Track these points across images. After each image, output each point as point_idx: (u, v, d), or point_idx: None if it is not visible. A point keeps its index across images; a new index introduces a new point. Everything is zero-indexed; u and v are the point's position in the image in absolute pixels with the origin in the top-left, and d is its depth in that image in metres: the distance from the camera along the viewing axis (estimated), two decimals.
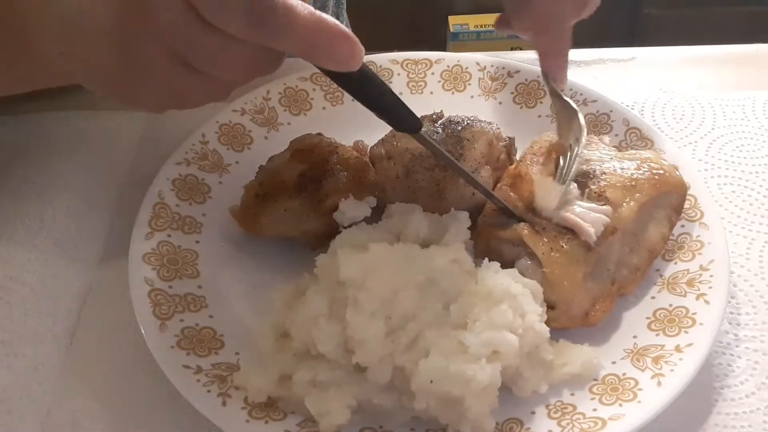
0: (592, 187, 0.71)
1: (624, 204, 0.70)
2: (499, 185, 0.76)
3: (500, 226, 0.72)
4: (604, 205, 0.70)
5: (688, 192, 0.76)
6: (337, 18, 1.22)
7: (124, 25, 0.53)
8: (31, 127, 0.92)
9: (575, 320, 0.68)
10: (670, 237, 0.74)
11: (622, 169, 0.73)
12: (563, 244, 0.68)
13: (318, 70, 0.90)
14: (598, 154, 0.76)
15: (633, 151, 0.77)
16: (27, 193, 0.84)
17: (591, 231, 0.68)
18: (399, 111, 0.64)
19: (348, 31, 0.53)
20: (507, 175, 0.76)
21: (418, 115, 0.81)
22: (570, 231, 0.69)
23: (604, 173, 0.73)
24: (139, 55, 0.54)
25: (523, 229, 0.70)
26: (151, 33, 0.53)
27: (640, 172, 0.73)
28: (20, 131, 0.92)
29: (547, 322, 0.67)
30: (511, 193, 0.73)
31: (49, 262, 0.78)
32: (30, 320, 0.73)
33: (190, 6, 0.50)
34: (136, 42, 0.53)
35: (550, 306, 0.68)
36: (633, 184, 0.72)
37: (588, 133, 0.83)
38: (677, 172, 0.75)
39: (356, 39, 0.53)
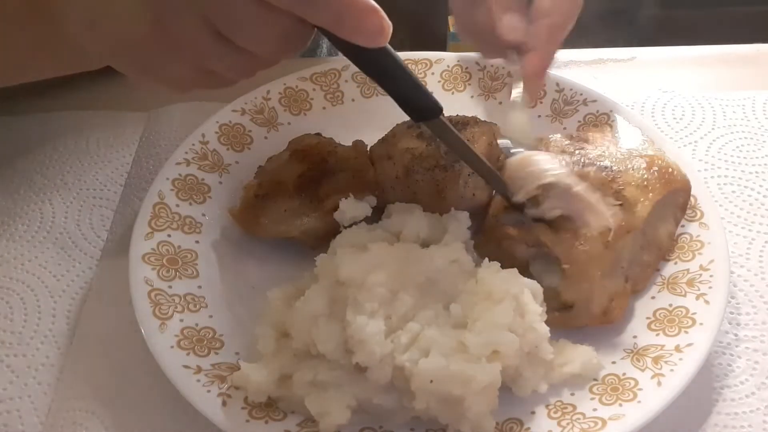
0: (613, 185, 0.71)
1: (639, 203, 0.71)
2: None
3: (513, 227, 0.71)
4: (621, 204, 0.70)
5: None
6: None
7: None
8: (31, 127, 0.92)
9: (595, 319, 0.68)
10: None
11: (633, 168, 0.73)
12: (582, 242, 0.68)
13: (318, 70, 0.92)
14: (607, 152, 0.76)
15: (637, 149, 0.77)
16: (27, 193, 0.85)
17: (609, 215, 0.67)
18: (419, 94, 0.62)
19: (377, 5, 0.52)
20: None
21: None
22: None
23: (620, 171, 0.73)
24: (173, 25, 0.54)
25: (540, 229, 0.70)
26: (187, 2, 0.53)
27: (651, 171, 0.73)
28: (20, 131, 0.92)
29: (567, 323, 0.67)
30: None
31: (49, 262, 0.78)
32: (30, 320, 0.74)
33: None
34: (171, 11, 0.54)
35: (568, 306, 0.68)
36: (646, 183, 0.72)
37: (587, 131, 0.84)
38: (682, 170, 0.75)
39: (384, 14, 0.53)
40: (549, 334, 0.65)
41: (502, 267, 0.68)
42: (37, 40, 0.64)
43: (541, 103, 0.89)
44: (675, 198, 0.74)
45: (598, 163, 0.73)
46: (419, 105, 0.63)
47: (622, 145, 0.78)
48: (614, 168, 0.73)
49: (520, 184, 0.71)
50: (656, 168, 0.73)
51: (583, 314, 0.68)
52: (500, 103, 0.91)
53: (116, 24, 0.56)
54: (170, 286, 0.71)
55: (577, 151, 0.75)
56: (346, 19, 0.52)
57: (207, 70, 0.58)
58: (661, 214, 0.73)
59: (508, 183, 0.72)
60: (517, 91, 0.80)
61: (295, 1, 0.52)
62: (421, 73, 0.92)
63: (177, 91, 0.62)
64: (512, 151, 0.76)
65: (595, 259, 0.68)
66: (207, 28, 0.54)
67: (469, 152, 0.69)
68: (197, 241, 0.77)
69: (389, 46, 0.57)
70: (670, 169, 0.74)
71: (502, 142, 0.78)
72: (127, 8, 0.55)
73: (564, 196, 0.69)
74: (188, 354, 0.66)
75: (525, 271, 0.69)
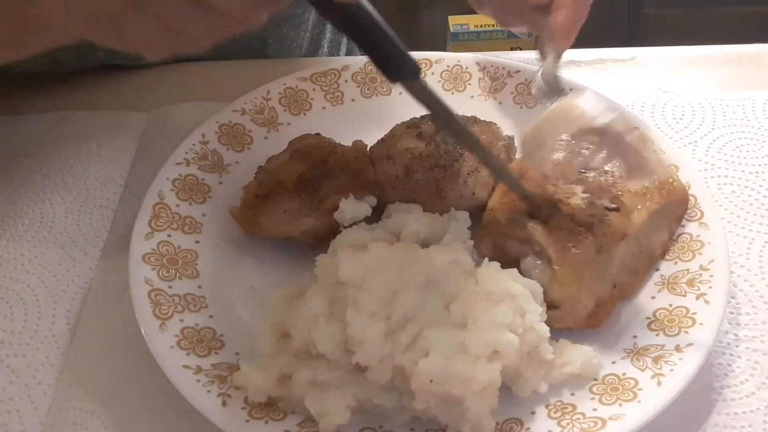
0: (612, 190, 0.71)
1: (636, 210, 0.71)
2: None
3: (508, 223, 0.71)
4: (618, 209, 0.70)
5: (689, 192, 0.76)
6: None
7: None
8: (31, 127, 0.92)
9: (579, 321, 0.68)
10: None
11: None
12: (574, 245, 0.68)
13: (318, 70, 0.92)
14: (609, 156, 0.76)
15: None
16: (27, 193, 0.85)
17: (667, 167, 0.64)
18: (395, 51, 0.59)
19: None
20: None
21: (418, 116, 0.81)
22: (582, 232, 0.69)
23: (621, 177, 0.73)
24: None
25: (535, 227, 0.70)
26: None
27: (651, 179, 0.73)
28: (20, 131, 0.92)
29: (551, 323, 0.67)
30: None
31: (49, 262, 0.78)
32: (30, 320, 0.73)
33: None
34: None
35: (554, 306, 0.68)
36: (645, 191, 0.72)
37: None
38: (683, 183, 0.75)
39: None
40: (549, 334, 0.65)
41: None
42: (17, 16, 0.63)
43: (541, 103, 0.89)
44: (673, 209, 0.74)
45: (601, 166, 0.73)
46: (395, 63, 0.59)
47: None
48: (615, 173, 0.73)
49: (565, 129, 0.66)
50: (657, 177, 0.73)
51: (568, 316, 0.68)
52: (500, 103, 0.91)
53: None
54: (170, 286, 0.71)
55: (581, 151, 0.75)
56: None
57: (177, 31, 0.58)
58: (656, 223, 0.73)
59: (491, 151, 0.70)
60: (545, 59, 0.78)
61: None
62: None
63: (151, 55, 0.62)
64: (552, 98, 0.74)
65: (588, 263, 0.68)
66: None
67: (451, 118, 0.66)
68: (197, 241, 0.77)
69: (364, 1, 0.55)
70: (671, 180, 0.74)
71: (536, 91, 0.76)
72: None
73: (617, 145, 0.65)
74: (188, 354, 0.66)
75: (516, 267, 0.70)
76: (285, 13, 1.02)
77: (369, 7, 0.56)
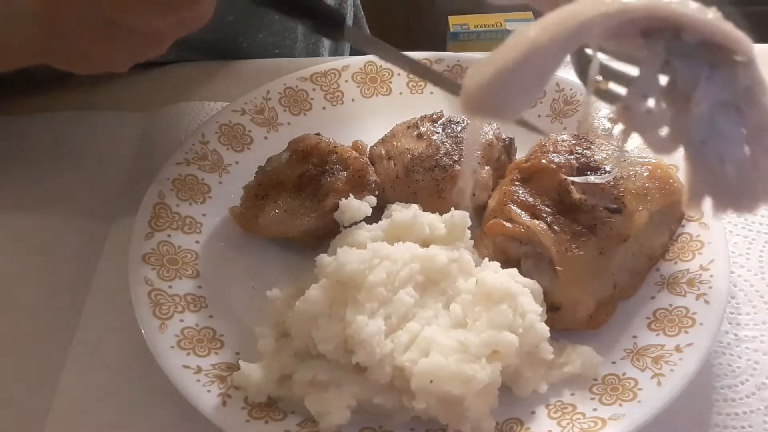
0: (613, 191, 0.71)
1: (637, 212, 0.71)
2: (501, 183, 0.76)
3: (509, 223, 0.71)
4: (620, 211, 0.70)
5: None
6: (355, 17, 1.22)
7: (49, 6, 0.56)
8: (31, 127, 0.92)
9: (580, 323, 0.68)
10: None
11: (635, 175, 0.73)
12: (577, 246, 0.68)
13: (318, 70, 0.92)
14: (611, 156, 0.75)
15: (642, 155, 0.77)
16: (27, 193, 0.85)
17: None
18: (317, 5, 0.60)
19: None
20: (514, 171, 0.76)
21: (418, 115, 0.81)
22: (585, 233, 0.69)
23: (622, 178, 0.73)
24: (62, 27, 0.57)
25: (538, 227, 0.70)
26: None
27: (652, 180, 0.73)
28: (20, 131, 0.92)
29: (551, 324, 0.67)
30: (513, 208, 0.72)
31: (49, 262, 0.78)
32: (30, 320, 0.73)
33: None
34: (60, 19, 0.57)
35: (555, 307, 0.68)
36: (645, 192, 0.72)
37: (588, 134, 0.83)
38: (683, 184, 0.75)
39: None
40: (549, 334, 0.65)
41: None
42: None
43: (541, 103, 0.89)
44: (673, 210, 0.74)
45: (602, 166, 0.73)
46: (320, 16, 0.61)
47: (627, 150, 0.78)
48: (616, 173, 0.73)
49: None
50: (657, 177, 0.73)
51: (569, 317, 0.68)
52: None
53: (19, 39, 0.59)
54: (170, 286, 0.71)
55: (584, 152, 0.75)
56: None
57: (106, 55, 0.59)
58: (657, 224, 0.73)
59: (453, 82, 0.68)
60: None
61: None
62: None
63: (117, 70, 0.63)
64: None
65: (590, 264, 0.68)
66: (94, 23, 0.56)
67: (398, 56, 0.66)
68: (197, 241, 0.77)
69: None
70: (671, 180, 0.74)
71: None
72: (25, 21, 0.58)
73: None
74: (188, 354, 0.66)
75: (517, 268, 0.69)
76: (258, 20, 1.02)
77: None
